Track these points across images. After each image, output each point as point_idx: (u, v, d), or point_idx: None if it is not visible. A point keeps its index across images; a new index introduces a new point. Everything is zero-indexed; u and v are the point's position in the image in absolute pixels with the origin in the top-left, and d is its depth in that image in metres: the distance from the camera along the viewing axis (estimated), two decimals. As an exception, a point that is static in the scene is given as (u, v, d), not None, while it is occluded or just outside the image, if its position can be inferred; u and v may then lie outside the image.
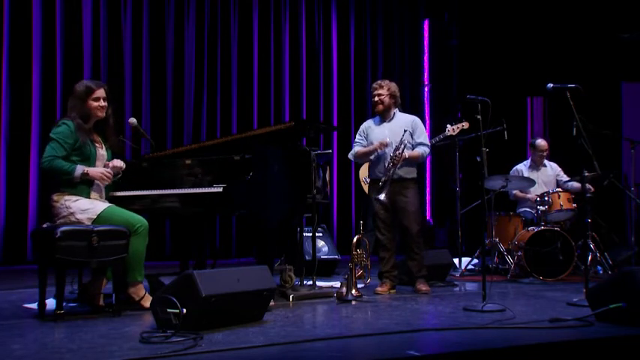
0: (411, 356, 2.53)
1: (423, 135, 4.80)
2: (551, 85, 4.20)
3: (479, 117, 4.03)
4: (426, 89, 10.05)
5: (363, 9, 9.55)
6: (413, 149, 4.71)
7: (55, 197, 3.71)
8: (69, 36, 7.28)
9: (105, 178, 3.75)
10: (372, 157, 4.80)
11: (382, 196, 4.50)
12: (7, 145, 6.91)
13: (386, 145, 4.66)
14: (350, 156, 5.02)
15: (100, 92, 3.78)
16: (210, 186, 4.03)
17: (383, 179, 4.57)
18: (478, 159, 4.12)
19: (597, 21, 8.61)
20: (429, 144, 4.90)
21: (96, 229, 3.49)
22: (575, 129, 4.10)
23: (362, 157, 4.93)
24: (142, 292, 3.78)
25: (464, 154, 7.20)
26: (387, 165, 4.63)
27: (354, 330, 3.22)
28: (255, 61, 8.56)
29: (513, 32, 9.10)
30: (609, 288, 3.38)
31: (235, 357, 2.57)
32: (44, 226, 3.63)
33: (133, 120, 4.01)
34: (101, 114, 3.80)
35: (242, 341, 2.82)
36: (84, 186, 3.74)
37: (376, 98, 4.78)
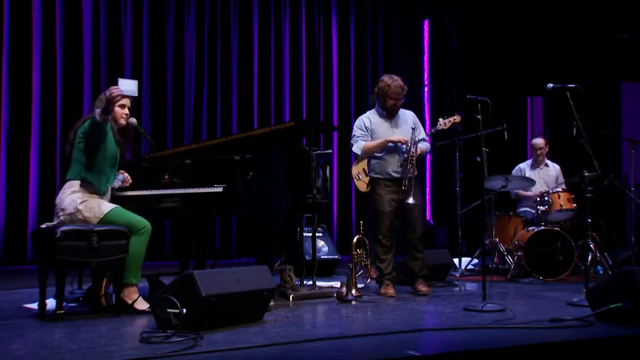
0: (411, 356, 2.53)
1: (423, 131, 4.88)
2: (551, 85, 4.20)
3: (479, 117, 4.03)
4: (426, 89, 10.03)
5: (363, 9, 9.53)
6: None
7: (67, 191, 3.70)
8: (69, 36, 7.28)
9: None
10: (379, 152, 4.75)
11: (411, 200, 4.53)
12: (7, 145, 6.90)
13: (406, 142, 4.64)
14: (356, 150, 4.79)
15: (126, 101, 3.92)
16: (211, 186, 4.03)
17: (406, 182, 4.58)
18: (478, 159, 4.12)
19: (597, 21, 8.61)
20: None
21: (96, 229, 3.50)
22: (575, 129, 4.10)
23: (371, 150, 4.75)
24: (135, 295, 3.73)
25: (464, 154, 7.20)
26: (406, 164, 4.61)
27: (354, 330, 3.23)
28: (255, 60, 8.54)
29: (513, 32, 9.09)
30: (609, 288, 3.39)
31: (235, 357, 2.57)
32: (44, 226, 3.62)
33: (133, 120, 4.01)
34: (123, 122, 3.93)
35: (242, 341, 2.82)
36: (108, 185, 3.84)
37: (398, 102, 4.75)
